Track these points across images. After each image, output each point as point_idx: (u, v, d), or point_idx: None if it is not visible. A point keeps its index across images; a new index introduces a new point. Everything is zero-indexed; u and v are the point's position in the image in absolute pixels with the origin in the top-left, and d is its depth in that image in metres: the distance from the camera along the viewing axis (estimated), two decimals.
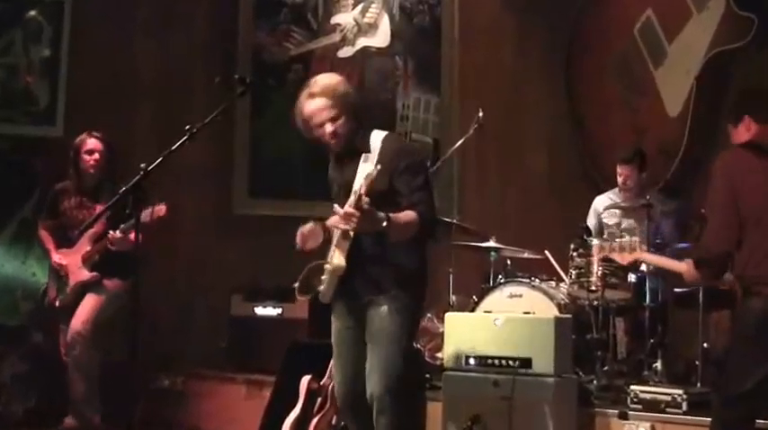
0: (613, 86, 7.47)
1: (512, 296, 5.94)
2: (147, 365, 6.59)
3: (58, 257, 6.30)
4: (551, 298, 5.86)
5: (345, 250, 4.40)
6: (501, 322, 5.27)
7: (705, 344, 5.84)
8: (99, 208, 6.04)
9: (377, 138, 4.55)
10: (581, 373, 5.65)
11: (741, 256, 4.26)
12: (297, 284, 4.61)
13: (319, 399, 5.60)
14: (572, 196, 7.28)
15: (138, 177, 4.33)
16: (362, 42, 8.13)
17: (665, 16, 7.17)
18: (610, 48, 7.51)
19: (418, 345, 6.19)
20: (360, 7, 8.14)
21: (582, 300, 5.98)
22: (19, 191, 7.61)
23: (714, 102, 6.84)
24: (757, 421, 4.45)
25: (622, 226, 6.55)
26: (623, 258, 4.89)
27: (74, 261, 6.24)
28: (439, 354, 6.14)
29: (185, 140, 4.39)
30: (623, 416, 5.30)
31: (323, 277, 4.50)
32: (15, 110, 7.74)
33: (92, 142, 6.29)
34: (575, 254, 5.98)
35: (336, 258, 4.41)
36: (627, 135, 7.32)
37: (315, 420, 5.56)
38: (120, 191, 4.40)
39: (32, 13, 7.74)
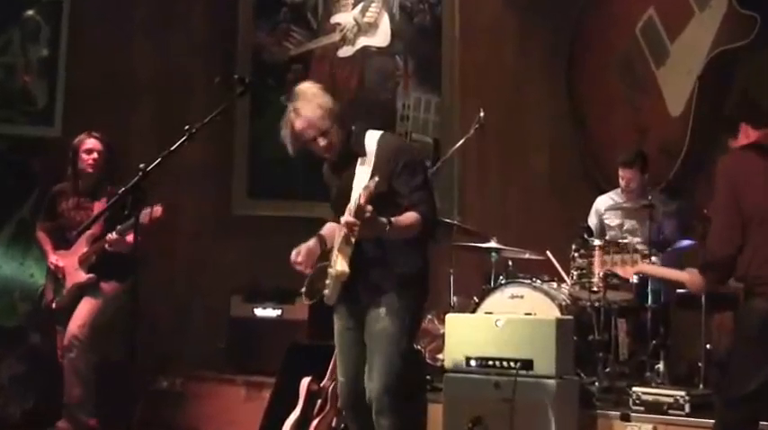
0: (615, 86, 7.44)
1: (513, 297, 5.94)
2: (145, 367, 6.58)
3: (54, 258, 6.27)
4: (553, 299, 5.85)
5: (348, 255, 4.39)
6: (502, 323, 5.25)
7: (708, 346, 5.84)
8: (97, 208, 6.02)
9: (372, 139, 4.54)
10: (583, 375, 5.65)
11: (744, 257, 4.23)
12: (304, 289, 4.62)
13: (319, 401, 5.58)
14: (573, 196, 7.26)
15: (137, 178, 4.31)
16: (362, 42, 8.11)
17: (667, 15, 7.15)
18: (611, 47, 7.48)
19: (419, 347, 6.17)
20: (360, 6, 8.11)
21: (583, 301, 5.98)
22: (17, 191, 7.60)
23: (716, 101, 6.81)
24: (761, 423, 4.41)
25: (624, 227, 6.55)
26: (626, 271, 4.88)
27: (71, 262, 6.21)
28: (440, 356, 6.13)
29: (184, 141, 4.37)
30: (625, 418, 5.29)
31: (327, 281, 4.51)
32: (13, 110, 7.72)
33: (91, 142, 6.27)
34: (576, 254, 5.97)
35: (339, 264, 4.41)
36: (628, 135, 7.30)
37: (315, 422, 5.53)
38: (120, 191, 4.38)
39: (30, 12, 7.72)
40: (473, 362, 5.27)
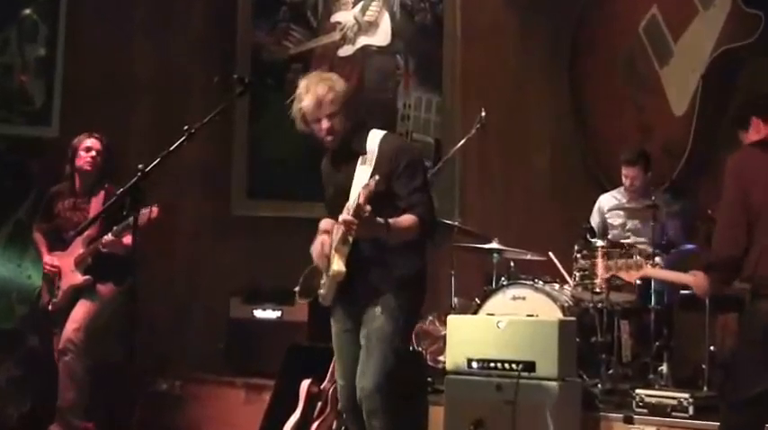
0: (618, 85, 7.41)
1: (515, 298, 5.92)
2: (144, 368, 6.56)
3: (49, 259, 6.23)
4: (555, 300, 5.83)
5: (345, 255, 4.37)
6: (504, 325, 5.23)
7: (712, 348, 5.83)
8: (94, 205, 5.99)
9: (374, 138, 4.52)
10: (585, 377, 5.62)
11: (751, 257, 4.17)
12: (298, 288, 4.59)
13: (319, 403, 5.56)
14: (576, 196, 7.23)
15: (135, 178, 4.29)
16: (363, 41, 8.08)
17: (670, 14, 7.12)
18: (614, 46, 7.45)
19: (420, 349, 6.15)
20: (360, 5, 8.08)
21: (586, 303, 5.96)
22: (14, 192, 7.57)
23: (720, 101, 6.79)
24: (766, 426, 4.38)
25: (627, 227, 6.53)
26: (630, 276, 4.84)
27: (66, 264, 6.17)
28: (441, 358, 6.11)
29: (184, 141, 4.35)
30: (629, 421, 5.27)
31: (322, 281, 4.48)
32: (10, 110, 7.68)
33: (90, 141, 6.27)
34: (579, 255, 5.95)
35: (336, 264, 4.38)
36: (631, 135, 7.27)
37: (315, 424, 5.52)
38: (118, 192, 4.36)
39: (27, 11, 7.68)
40: (475, 364, 5.25)
